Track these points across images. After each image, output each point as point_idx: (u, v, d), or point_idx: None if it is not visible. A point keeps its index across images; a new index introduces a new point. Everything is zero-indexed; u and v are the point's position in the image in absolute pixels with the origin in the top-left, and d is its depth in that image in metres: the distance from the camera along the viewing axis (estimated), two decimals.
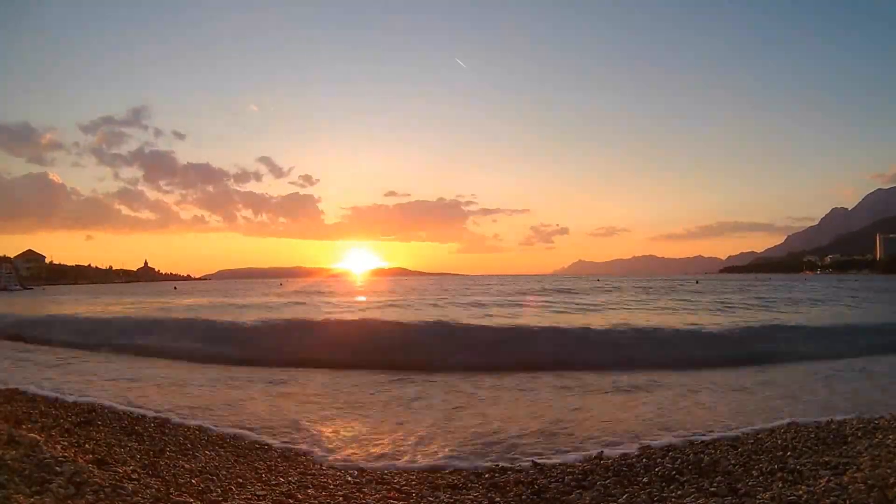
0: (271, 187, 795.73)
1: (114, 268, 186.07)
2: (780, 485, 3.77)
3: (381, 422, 6.28)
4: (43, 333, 15.28)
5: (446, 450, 5.15)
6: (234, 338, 13.08)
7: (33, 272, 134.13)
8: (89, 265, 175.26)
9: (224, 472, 4.33)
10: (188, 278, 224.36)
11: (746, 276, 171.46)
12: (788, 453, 4.62)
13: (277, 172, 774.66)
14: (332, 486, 4.18)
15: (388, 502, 3.89)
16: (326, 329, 13.75)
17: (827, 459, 4.33)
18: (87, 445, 4.70)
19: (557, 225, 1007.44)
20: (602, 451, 5.01)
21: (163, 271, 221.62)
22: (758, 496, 3.58)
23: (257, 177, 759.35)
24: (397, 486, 4.19)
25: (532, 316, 20.96)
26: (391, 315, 20.13)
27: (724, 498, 3.64)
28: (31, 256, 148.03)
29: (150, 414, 6.39)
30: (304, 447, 5.29)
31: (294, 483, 4.21)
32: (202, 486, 3.93)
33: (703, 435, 5.49)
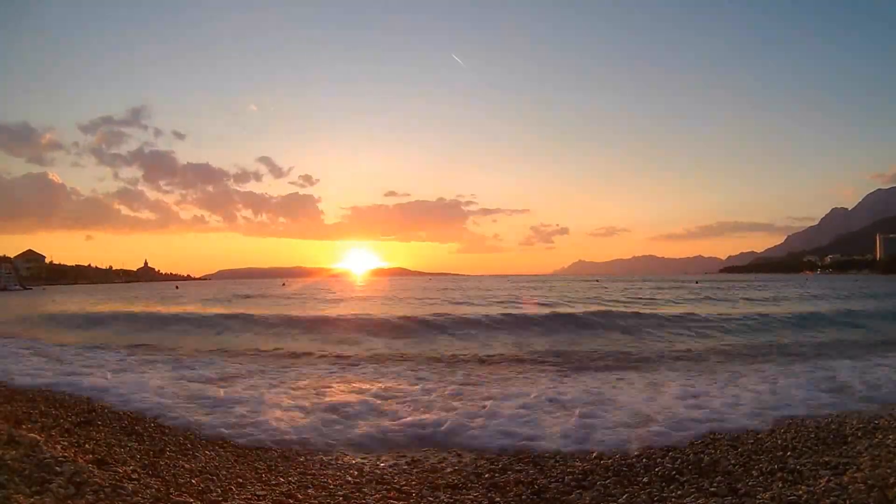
0: (271, 187, 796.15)
1: (114, 268, 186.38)
2: (780, 485, 3.78)
3: None
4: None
5: None
6: None
7: (33, 272, 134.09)
8: (89, 265, 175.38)
9: (224, 472, 4.33)
10: (188, 278, 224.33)
11: (747, 275, 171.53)
12: (788, 453, 4.63)
13: (277, 172, 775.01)
14: (332, 486, 4.18)
15: (388, 502, 3.89)
16: None
17: (827, 459, 4.33)
18: (87, 445, 4.70)
19: (557, 225, 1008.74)
20: (602, 451, 5.01)
21: (163, 271, 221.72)
22: (758, 496, 3.59)
23: (257, 177, 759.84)
24: (397, 486, 4.19)
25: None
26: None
27: (724, 498, 3.64)
28: (31, 256, 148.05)
29: None
30: None
31: (294, 483, 4.21)
32: (202, 486, 3.93)
33: None
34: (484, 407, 6.56)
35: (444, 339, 15.02)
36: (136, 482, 3.73)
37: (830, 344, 13.17)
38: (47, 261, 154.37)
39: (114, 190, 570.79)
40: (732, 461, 4.47)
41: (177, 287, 76.47)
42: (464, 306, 25.74)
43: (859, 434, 5.11)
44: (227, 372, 9.53)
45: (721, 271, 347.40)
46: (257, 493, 3.90)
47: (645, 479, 4.18)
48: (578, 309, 21.34)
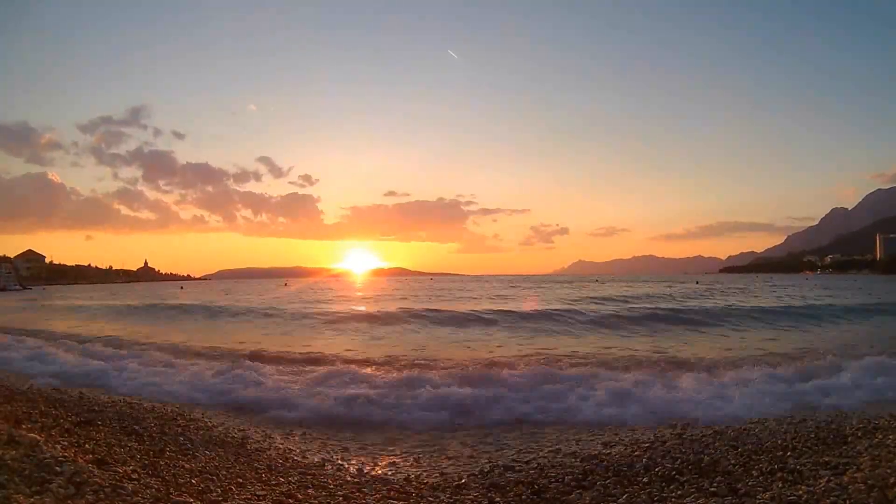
0: (271, 187, 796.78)
1: (114, 268, 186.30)
2: (780, 485, 3.78)
3: None
4: None
5: None
6: None
7: (33, 272, 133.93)
8: (89, 265, 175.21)
9: (224, 472, 4.33)
10: (188, 278, 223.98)
11: (747, 275, 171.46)
12: (788, 453, 4.62)
13: (277, 172, 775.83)
14: (332, 486, 4.18)
15: (388, 502, 3.89)
16: None
17: (827, 459, 4.33)
18: (87, 445, 4.69)
19: (557, 225, 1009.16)
20: (602, 451, 5.02)
21: (163, 271, 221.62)
22: (758, 496, 3.59)
23: (257, 177, 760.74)
24: (397, 486, 4.19)
25: None
26: None
27: (724, 498, 3.64)
28: (30, 256, 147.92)
29: None
30: None
31: (294, 483, 4.21)
32: (202, 486, 3.93)
33: None
34: None
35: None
36: (136, 482, 3.72)
37: None
38: (47, 261, 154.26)
39: (113, 190, 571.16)
40: (732, 461, 4.47)
41: (181, 288, 76.07)
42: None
43: (859, 434, 5.11)
44: None
45: (721, 271, 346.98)
46: (257, 493, 3.90)
47: (645, 479, 4.18)
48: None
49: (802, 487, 3.65)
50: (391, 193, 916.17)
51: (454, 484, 4.25)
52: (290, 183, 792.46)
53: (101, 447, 4.70)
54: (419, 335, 16.12)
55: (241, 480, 4.17)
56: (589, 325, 17.56)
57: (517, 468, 4.66)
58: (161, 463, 4.41)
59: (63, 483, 3.35)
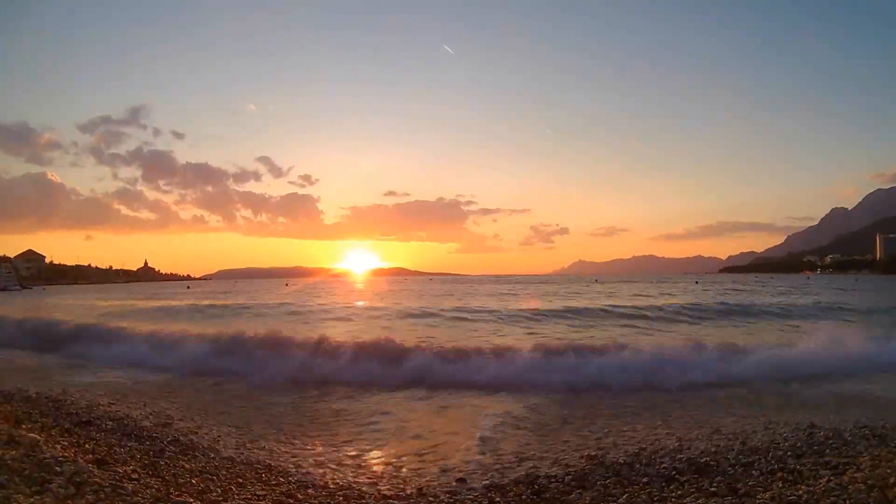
0: (270, 187, 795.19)
1: (113, 268, 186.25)
2: (780, 485, 3.78)
3: None
4: None
5: None
6: None
7: (33, 272, 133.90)
8: (89, 265, 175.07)
9: (224, 472, 4.33)
10: (188, 278, 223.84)
11: (747, 275, 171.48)
12: (788, 453, 4.62)
13: (277, 172, 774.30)
14: (332, 486, 4.18)
15: (388, 502, 3.89)
16: None
17: (827, 459, 4.33)
18: (87, 445, 4.69)
19: (557, 225, 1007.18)
20: (602, 452, 5.01)
21: (163, 271, 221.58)
22: (758, 496, 3.59)
23: (256, 176, 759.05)
24: (398, 486, 4.19)
25: None
26: None
27: (724, 498, 3.64)
28: (30, 256, 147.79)
29: None
30: None
31: (294, 483, 4.21)
32: (202, 486, 3.93)
33: None
34: None
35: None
36: (136, 482, 3.72)
37: None
38: (47, 261, 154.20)
39: (113, 190, 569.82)
40: (732, 461, 4.47)
41: (188, 287, 76.66)
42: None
43: (859, 434, 5.12)
44: None
45: (721, 271, 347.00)
46: (257, 493, 3.90)
47: (645, 479, 4.18)
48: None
49: (802, 487, 3.65)
50: (391, 193, 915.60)
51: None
52: (289, 183, 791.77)
53: (101, 447, 4.71)
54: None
55: (241, 480, 4.17)
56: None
57: (517, 468, 4.66)
58: (161, 463, 4.41)
59: (63, 483, 3.36)
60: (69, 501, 3.16)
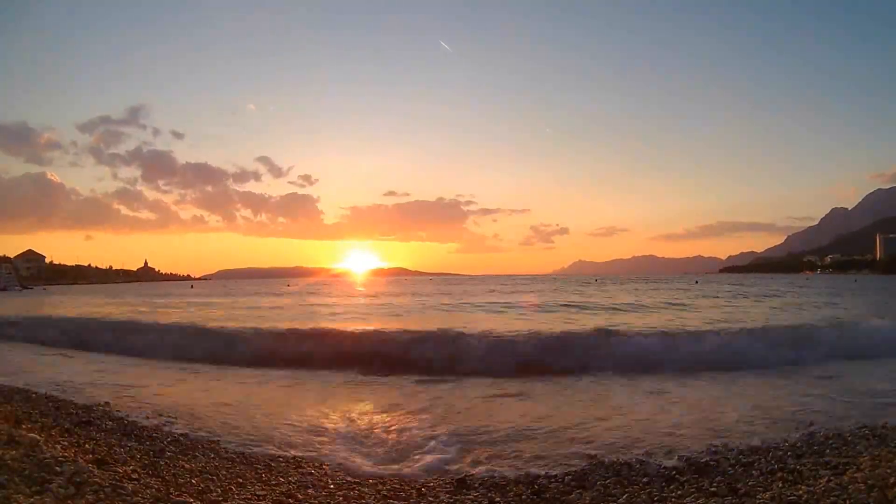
0: (270, 187, 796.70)
1: (113, 268, 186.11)
2: (780, 485, 3.77)
3: None
4: None
5: None
6: None
7: (33, 272, 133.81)
8: (89, 265, 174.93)
9: (224, 472, 4.32)
10: (188, 278, 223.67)
11: (746, 276, 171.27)
12: (788, 453, 4.62)
13: (276, 172, 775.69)
14: (332, 486, 4.18)
15: (387, 502, 3.89)
16: None
17: (827, 459, 4.33)
18: (87, 445, 4.69)
19: (557, 225, 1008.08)
20: (601, 452, 5.01)
21: (163, 271, 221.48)
22: (758, 496, 3.58)
23: (256, 176, 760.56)
24: (398, 486, 4.19)
25: None
26: None
27: (724, 498, 3.64)
28: (30, 256, 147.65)
29: None
30: None
31: (294, 483, 4.21)
32: (202, 486, 3.93)
33: None
34: None
35: None
36: (136, 482, 3.72)
37: None
38: (47, 261, 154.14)
39: (113, 190, 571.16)
40: (732, 461, 4.47)
41: (192, 287, 77.17)
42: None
43: (859, 434, 5.11)
44: None
45: (721, 271, 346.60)
46: (257, 493, 3.90)
47: (645, 479, 4.18)
48: None
49: (802, 487, 3.64)
50: (391, 193, 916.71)
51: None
52: (289, 183, 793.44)
53: (101, 447, 4.70)
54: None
55: (241, 480, 4.17)
56: None
57: (517, 468, 4.66)
58: (161, 463, 4.41)
59: (63, 483, 3.35)
60: (69, 501, 3.16)
